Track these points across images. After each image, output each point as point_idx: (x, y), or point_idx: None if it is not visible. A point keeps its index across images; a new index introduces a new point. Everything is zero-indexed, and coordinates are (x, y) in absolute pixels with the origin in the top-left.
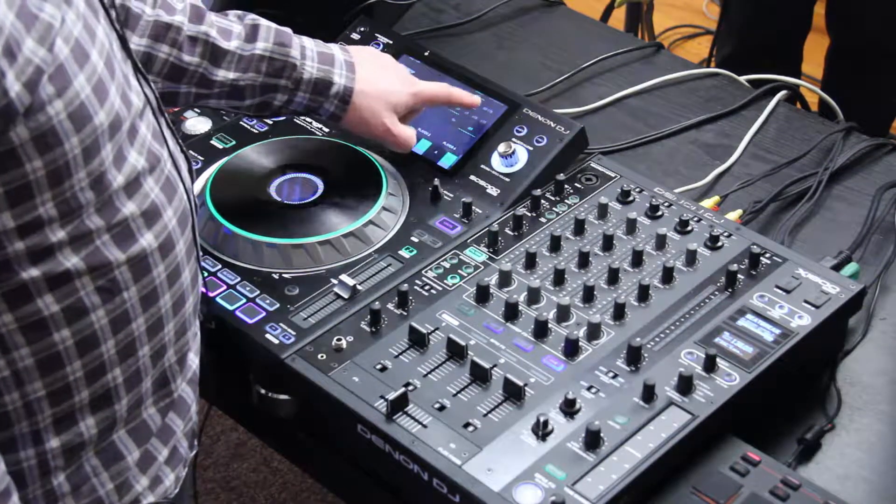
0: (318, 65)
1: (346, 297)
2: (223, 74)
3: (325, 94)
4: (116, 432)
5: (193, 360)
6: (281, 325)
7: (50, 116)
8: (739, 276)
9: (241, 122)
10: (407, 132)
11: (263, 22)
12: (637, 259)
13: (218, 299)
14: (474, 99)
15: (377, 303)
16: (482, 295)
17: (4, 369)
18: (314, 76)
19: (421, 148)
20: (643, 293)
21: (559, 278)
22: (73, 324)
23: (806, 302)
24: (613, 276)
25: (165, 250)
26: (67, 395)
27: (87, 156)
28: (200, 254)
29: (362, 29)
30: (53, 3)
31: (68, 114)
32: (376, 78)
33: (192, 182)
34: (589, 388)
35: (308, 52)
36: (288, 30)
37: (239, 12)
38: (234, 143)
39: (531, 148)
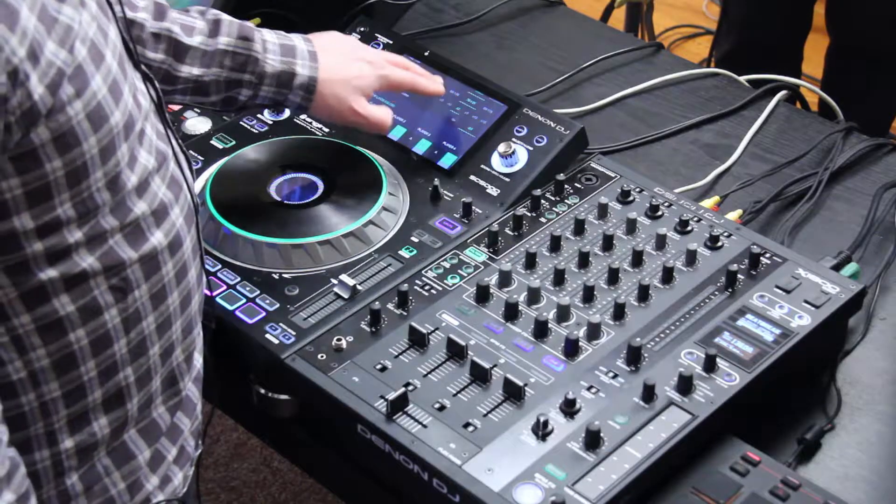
0: (281, 57)
1: (346, 297)
2: (187, 70)
3: (289, 85)
4: (127, 432)
5: (198, 360)
6: (281, 325)
7: (70, 117)
8: (739, 276)
9: (241, 122)
10: (377, 113)
11: (225, 17)
12: (637, 259)
13: (218, 299)
14: (438, 88)
15: (377, 303)
16: (482, 295)
17: (21, 370)
18: (277, 69)
19: (421, 148)
20: (643, 293)
21: (559, 278)
22: (88, 323)
23: (806, 302)
24: (613, 276)
25: (174, 248)
26: (81, 394)
27: (103, 156)
28: (204, 252)
29: (362, 29)
30: (71, 5)
31: (87, 114)
32: (340, 64)
33: (193, 180)
34: (589, 388)
35: (270, 46)
36: (250, 24)
37: (201, 8)
38: (234, 143)
39: (531, 148)
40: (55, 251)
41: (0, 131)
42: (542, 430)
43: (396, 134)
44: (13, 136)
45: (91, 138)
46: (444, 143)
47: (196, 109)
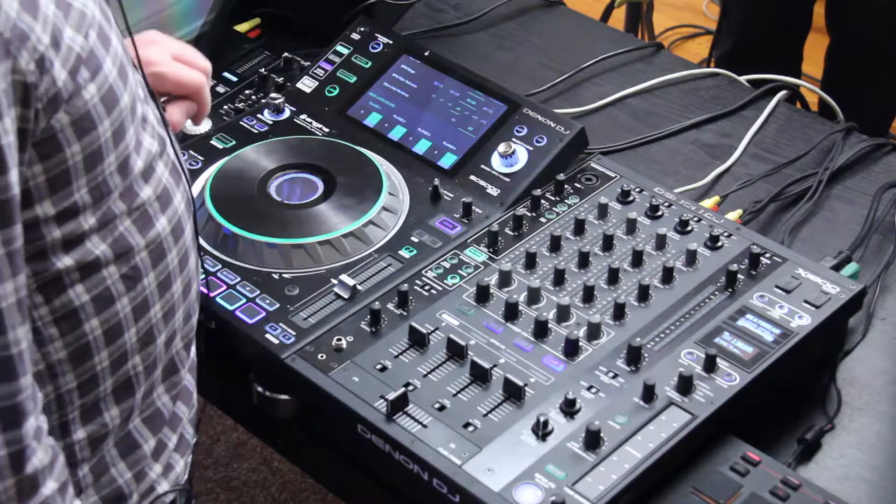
0: None
1: (346, 297)
2: None
3: None
4: (133, 422)
5: (193, 350)
6: (281, 325)
7: (86, 101)
8: (739, 276)
9: (241, 122)
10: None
11: None
12: (637, 259)
13: (218, 299)
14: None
15: (377, 303)
16: (482, 295)
17: (40, 363)
18: None
19: (421, 148)
20: (643, 293)
21: (559, 278)
22: (101, 313)
23: (806, 302)
24: (613, 276)
25: (176, 234)
26: (94, 385)
27: (116, 139)
28: (200, 241)
29: (362, 29)
30: None
31: (101, 97)
32: None
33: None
34: (589, 388)
35: None
36: None
37: None
38: (233, 143)
39: (531, 148)
40: (71, 238)
41: (31, 120)
42: (542, 430)
43: (396, 134)
44: (39, 123)
45: (105, 121)
46: (444, 143)
47: None
